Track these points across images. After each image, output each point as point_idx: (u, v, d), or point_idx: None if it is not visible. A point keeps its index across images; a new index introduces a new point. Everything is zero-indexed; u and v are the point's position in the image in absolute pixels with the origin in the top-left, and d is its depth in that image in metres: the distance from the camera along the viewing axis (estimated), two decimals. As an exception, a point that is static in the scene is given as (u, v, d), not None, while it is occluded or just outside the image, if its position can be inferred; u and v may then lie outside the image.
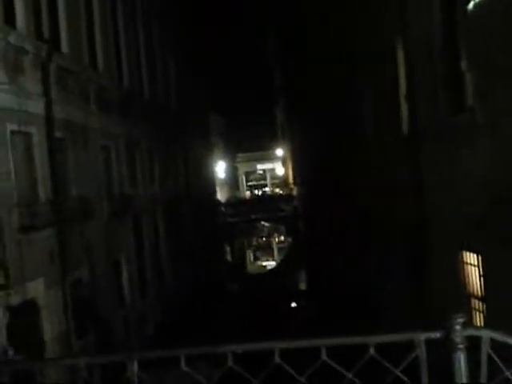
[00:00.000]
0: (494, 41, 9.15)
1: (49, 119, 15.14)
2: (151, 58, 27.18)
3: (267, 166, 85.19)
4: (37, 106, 14.79)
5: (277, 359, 2.92)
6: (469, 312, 10.93)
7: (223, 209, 53.72)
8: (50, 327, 14.54)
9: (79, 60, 18.08)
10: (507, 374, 2.83)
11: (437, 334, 2.88)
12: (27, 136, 14.48)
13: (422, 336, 2.90)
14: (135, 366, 2.98)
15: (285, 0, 41.32)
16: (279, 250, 60.27)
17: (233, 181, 78.30)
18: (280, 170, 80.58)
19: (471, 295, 11.32)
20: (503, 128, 9.17)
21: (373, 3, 17.47)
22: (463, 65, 10.95)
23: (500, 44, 8.91)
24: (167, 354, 3.04)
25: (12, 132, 13.67)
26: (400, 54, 14.98)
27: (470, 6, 9.73)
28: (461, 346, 2.81)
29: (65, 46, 17.10)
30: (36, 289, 14.04)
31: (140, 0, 25.62)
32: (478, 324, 10.22)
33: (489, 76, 9.54)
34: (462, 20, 10.49)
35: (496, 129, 9.45)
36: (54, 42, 16.16)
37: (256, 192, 76.76)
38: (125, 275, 20.41)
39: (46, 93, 15.15)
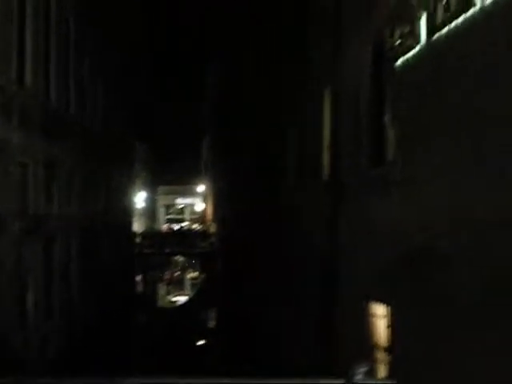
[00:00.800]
0: (418, 99, 9.44)
1: (-33, 131, 14.72)
2: (81, 83, 26.88)
3: (187, 200, 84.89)
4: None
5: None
6: (374, 363, 11.06)
7: (139, 239, 53.04)
8: None
9: (5, 74, 17.70)
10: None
11: (339, 382, 2.89)
12: None
13: (324, 382, 2.91)
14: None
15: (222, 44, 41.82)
16: (192, 285, 59.91)
17: (151, 212, 77.51)
18: (199, 206, 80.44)
19: (377, 346, 11.46)
20: (418, 185, 9.39)
21: (306, 54, 17.82)
22: (387, 119, 11.24)
23: (424, 102, 9.20)
24: (67, 382, 2.96)
25: None
26: (327, 104, 15.28)
27: (399, 63, 10.04)
28: (361, 395, 2.83)
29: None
30: None
31: (74, 25, 25.40)
32: (383, 375, 10.33)
33: (411, 132, 9.81)
34: (390, 76, 10.80)
35: (411, 185, 9.66)
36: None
37: (174, 226, 76.13)
38: (30, 296, 19.80)
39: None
